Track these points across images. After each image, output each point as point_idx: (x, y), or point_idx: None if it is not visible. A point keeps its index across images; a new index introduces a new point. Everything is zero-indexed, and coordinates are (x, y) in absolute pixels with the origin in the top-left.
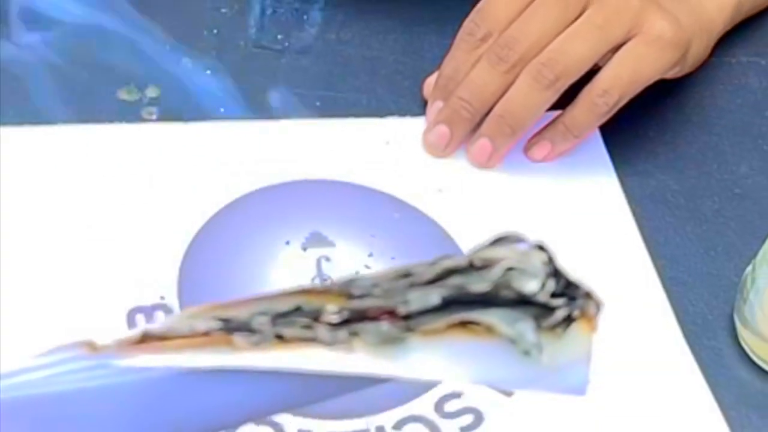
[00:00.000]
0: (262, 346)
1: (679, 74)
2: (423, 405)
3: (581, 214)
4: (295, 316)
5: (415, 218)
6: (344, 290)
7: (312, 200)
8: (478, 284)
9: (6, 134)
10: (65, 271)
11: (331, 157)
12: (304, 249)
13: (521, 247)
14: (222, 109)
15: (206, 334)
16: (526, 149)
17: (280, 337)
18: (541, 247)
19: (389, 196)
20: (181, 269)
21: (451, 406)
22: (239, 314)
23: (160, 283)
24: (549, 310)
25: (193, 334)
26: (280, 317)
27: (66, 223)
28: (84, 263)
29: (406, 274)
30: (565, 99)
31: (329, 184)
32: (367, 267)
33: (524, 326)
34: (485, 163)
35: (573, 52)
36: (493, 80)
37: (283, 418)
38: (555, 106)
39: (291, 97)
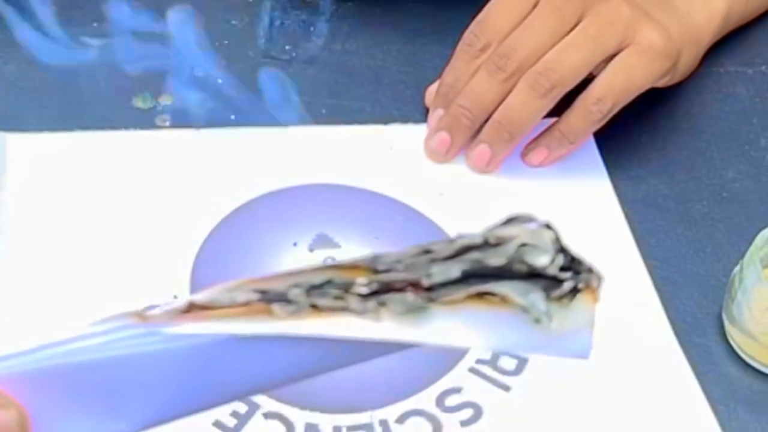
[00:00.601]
0: (298, 315)
1: (670, 83)
2: (424, 399)
3: (576, 217)
4: (328, 288)
5: (417, 221)
6: (370, 265)
7: (318, 204)
8: (495, 259)
9: (28, 141)
10: (81, 271)
11: (336, 163)
12: (311, 250)
13: (531, 226)
14: (232, 117)
15: (246, 304)
16: (524, 155)
17: (314, 307)
18: (548, 226)
19: (392, 199)
20: (193, 269)
21: (451, 401)
22: (276, 286)
23: (173, 282)
24: (557, 282)
25: (234, 305)
26: (314, 289)
27: (82, 225)
28: (99, 263)
29: (427, 251)
30: (561, 107)
31: (335, 188)
32: None
33: (535, 296)
34: (484, 168)
35: (568, 61)
36: (491, 88)
37: (291, 412)
38: (551, 114)
39: (298, 105)
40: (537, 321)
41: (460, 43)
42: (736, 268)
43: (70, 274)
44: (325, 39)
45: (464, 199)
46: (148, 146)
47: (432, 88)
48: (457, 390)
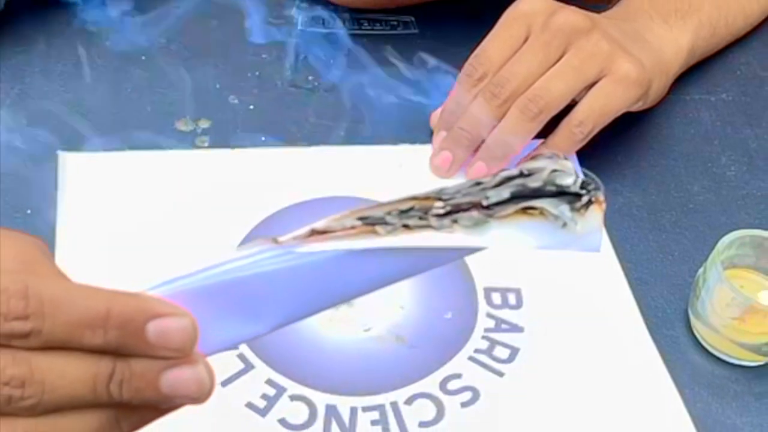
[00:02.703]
0: (394, 233)
1: (642, 108)
2: (430, 384)
3: None
4: (413, 212)
5: None
6: (437, 195)
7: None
8: (534, 183)
9: (84, 159)
10: (129, 272)
11: (353, 178)
12: None
13: (552, 159)
14: (263, 138)
15: (353, 227)
16: None
17: (405, 226)
18: (566, 158)
19: None
20: None
21: (453, 385)
22: (375, 213)
23: None
24: (578, 196)
25: (344, 228)
26: (402, 213)
27: (131, 233)
28: (145, 264)
29: (478, 183)
30: (547, 129)
31: (352, 200)
32: None
33: (563, 208)
34: None
35: (554, 89)
36: (488, 113)
37: (314, 395)
38: (539, 136)
39: (320, 128)
40: (565, 226)
41: (461, 74)
42: (700, 270)
43: (120, 275)
44: (343, 71)
45: None
46: (189, 164)
47: (436, 113)
48: (457, 376)
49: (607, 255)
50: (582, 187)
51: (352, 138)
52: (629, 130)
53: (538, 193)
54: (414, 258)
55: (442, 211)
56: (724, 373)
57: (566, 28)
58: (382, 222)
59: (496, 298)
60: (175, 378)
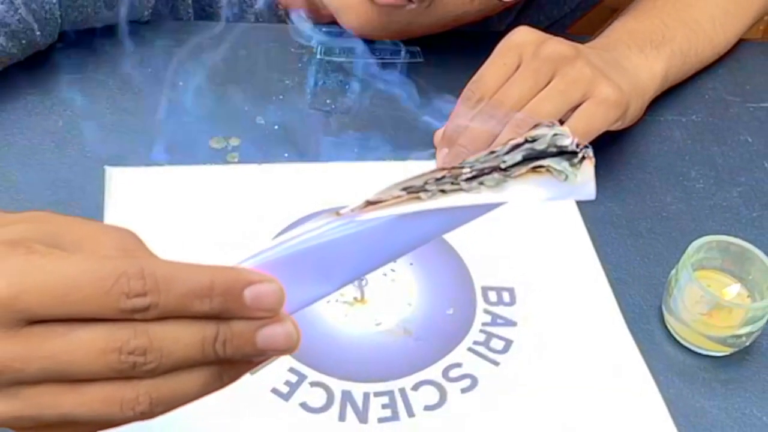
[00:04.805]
0: (434, 197)
1: (621, 127)
2: (433, 372)
3: (551, 232)
4: (446, 179)
5: None
6: (462, 165)
7: None
8: (540, 146)
9: (127, 173)
10: None
11: (365, 191)
12: None
13: (550, 126)
14: (286, 155)
15: (399, 196)
16: None
17: (442, 191)
18: (561, 122)
19: None
20: None
21: (454, 373)
22: (415, 183)
23: None
24: (574, 154)
25: (393, 197)
26: (438, 180)
27: (169, 237)
28: None
29: (492, 152)
30: None
31: None
32: (393, 270)
33: (565, 164)
34: None
35: (543, 110)
36: (484, 132)
37: (331, 381)
38: None
39: (336, 146)
40: (566, 179)
41: (461, 97)
42: (673, 271)
43: None
44: (357, 95)
45: None
46: (221, 177)
47: (439, 132)
48: (458, 365)
49: (589, 258)
50: (576, 146)
51: (364, 155)
52: (610, 147)
53: (543, 154)
54: (452, 215)
55: (469, 175)
56: (694, 363)
57: (554, 57)
58: (422, 189)
59: (492, 296)
60: (269, 334)
